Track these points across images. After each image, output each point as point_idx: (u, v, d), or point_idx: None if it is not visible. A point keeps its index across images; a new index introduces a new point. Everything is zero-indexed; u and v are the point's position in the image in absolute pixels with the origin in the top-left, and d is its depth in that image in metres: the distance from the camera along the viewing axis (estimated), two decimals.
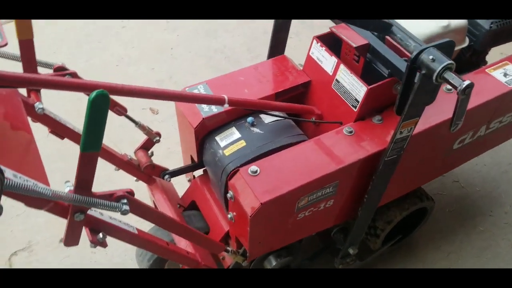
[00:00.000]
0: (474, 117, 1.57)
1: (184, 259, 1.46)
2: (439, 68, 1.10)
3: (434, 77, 1.11)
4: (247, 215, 1.30)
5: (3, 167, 0.82)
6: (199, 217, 1.74)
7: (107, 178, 2.30)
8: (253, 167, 1.35)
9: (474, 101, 1.53)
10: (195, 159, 1.67)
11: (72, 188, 1.07)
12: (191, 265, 1.50)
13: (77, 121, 1.31)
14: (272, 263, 1.69)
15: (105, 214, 1.18)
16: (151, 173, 1.68)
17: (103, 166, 2.23)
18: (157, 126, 2.53)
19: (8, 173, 0.88)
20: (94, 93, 0.83)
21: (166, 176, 1.68)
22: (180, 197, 1.85)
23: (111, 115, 2.57)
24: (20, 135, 1.09)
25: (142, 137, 2.44)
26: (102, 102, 0.85)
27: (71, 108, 2.61)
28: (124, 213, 1.05)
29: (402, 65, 1.39)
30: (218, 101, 1.35)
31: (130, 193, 1.08)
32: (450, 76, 1.10)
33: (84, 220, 1.04)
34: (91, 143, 0.91)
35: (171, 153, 2.39)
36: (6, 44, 0.83)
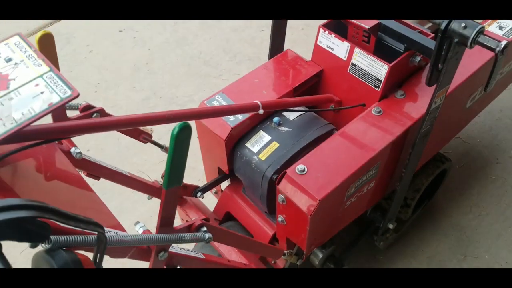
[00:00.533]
0: (484, 72, 1.63)
1: None
2: (473, 34, 1.12)
3: (468, 43, 1.14)
4: (305, 214, 1.30)
5: None
6: (238, 227, 1.72)
7: (120, 208, 2.23)
8: (300, 166, 1.34)
9: (483, 58, 1.59)
10: (224, 170, 1.64)
11: (145, 228, 1.03)
12: None
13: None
14: (319, 255, 1.70)
15: (176, 247, 1.14)
16: (183, 194, 1.64)
17: (110, 198, 2.18)
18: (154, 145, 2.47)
19: None
20: (177, 127, 0.80)
21: (199, 194, 1.64)
22: (211, 211, 1.82)
23: (112, 143, 2.47)
24: (78, 185, 1.03)
25: (148, 158, 2.37)
26: (185, 134, 0.82)
27: None
28: (208, 241, 1.02)
29: (419, 37, 1.42)
30: (253, 108, 1.33)
31: (206, 219, 1.05)
32: (484, 39, 1.13)
33: (167, 257, 1.01)
34: (175, 178, 0.88)
35: None
36: (78, 95, 0.78)
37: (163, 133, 2.53)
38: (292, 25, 3.04)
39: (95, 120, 1.07)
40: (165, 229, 0.95)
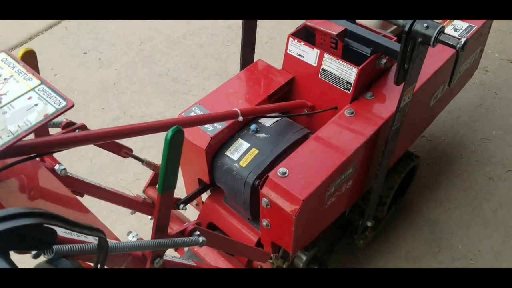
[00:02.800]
0: (444, 71, 1.74)
1: None
2: (435, 33, 1.21)
3: (431, 42, 1.22)
4: (290, 216, 1.34)
5: None
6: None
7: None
8: (281, 169, 1.39)
9: (443, 57, 1.69)
10: (205, 180, 1.66)
11: (138, 237, 1.04)
12: None
13: None
14: (303, 258, 1.73)
15: (168, 255, 1.15)
16: None
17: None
18: (129, 163, 2.46)
19: None
20: (170, 132, 0.83)
21: (181, 206, 1.65)
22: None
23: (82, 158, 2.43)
24: (69, 200, 1.03)
25: (124, 176, 2.36)
26: (178, 138, 0.85)
27: None
28: (202, 244, 1.04)
29: (384, 41, 1.51)
30: (232, 116, 1.37)
31: (199, 224, 1.07)
32: (445, 37, 1.22)
33: (161, 265, 1.02)
34: (169, 182, 0.90)
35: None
36: (73, 105, 0.80)
37: (138, 150, 2.53)
38: (257, 39, 3.12)
39: (80, 134, 1.08)
40: (161, 235, 0.96)
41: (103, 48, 3.15)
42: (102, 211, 2.17)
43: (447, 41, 1.22)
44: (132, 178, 2.37)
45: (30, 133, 0.75)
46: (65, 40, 3.26)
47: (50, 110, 0.77)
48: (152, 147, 2.54)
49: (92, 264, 0.80)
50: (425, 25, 1.21)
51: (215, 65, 2.98)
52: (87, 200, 1.35)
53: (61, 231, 0.81)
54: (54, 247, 0.73)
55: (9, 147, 0.74)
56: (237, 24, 3.21)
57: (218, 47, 3.10)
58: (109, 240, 0.83)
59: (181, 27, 3.27)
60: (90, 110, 2.74)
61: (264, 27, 3.12)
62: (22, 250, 0.66)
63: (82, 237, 0.84)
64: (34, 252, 0.71)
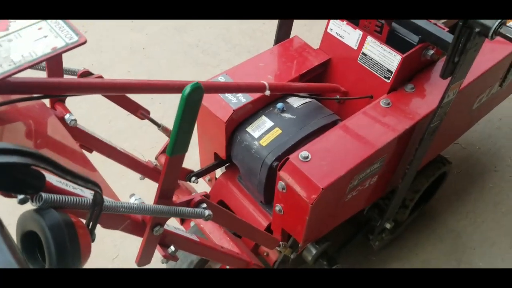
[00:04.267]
0: (494, 73, 1.60)
1: (236, 260, 1.38)
2: (496, 24, 1.08)
3: (490, 34, 1.10)
4: (306, 204, 1.24)
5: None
6: None
7: None
8: (303, 153, 1.29)
9: (495, 57, 1.55)
10: (221, 155, 1.57)
11: (140, 201, 0.96)
12: (241, 265, 1.42)
13: None
14: (312, 251, 1.64)
15: (171, 225, 1.07)
16: None
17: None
18: (147, 130, 2.40)
19: None
20: (188, 87, 0.74)
21: (193, 178, 1.57)
22: None
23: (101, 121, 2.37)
24: (75, 153, 0.96)
25: (139, 143, 2.30)
26: (197, 96, 0.76)
27: None
28: (207, 218, 0.95)
29: (435, 29, 1.38)
30: (259, 88, 1.28)
31: (206, 196, 0.99)
32: (506, 30, 1.09)
33: (161, 234, 0.94)
34: (181, 144, 0.81)
35: None
36: (85, 42, 0.71)
37: (157, 119, 2.46)
38: (295, 21, 3.00)
39: (94, 81, 1.01)
40: (164, 202, 0.88)
41: None
42: (109, 176, 2.11)
43: (508, 35, 1.09)
44: (148, 146, 2.31)
45: (33, 65, 0.67)
46: None
47: (60, 43, 0.69)
48: (172, 117, 2.46)
49: (84, 221, 0.72)
50: None
51: (248, 42, 2.87)
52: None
53: (56, 180, 0.73)
54: (43, 194, 0.65)
55: (9, 76, 0.66)
56: None
57: (253, 25, 2.99)
58: (105, 198, 0.75)
59: None
60: (115, 71, 2.68)
61: None
62: (2, 190, 0.59)
63: (78, 191, 0.76)
64: (20, 197, 0.64)
